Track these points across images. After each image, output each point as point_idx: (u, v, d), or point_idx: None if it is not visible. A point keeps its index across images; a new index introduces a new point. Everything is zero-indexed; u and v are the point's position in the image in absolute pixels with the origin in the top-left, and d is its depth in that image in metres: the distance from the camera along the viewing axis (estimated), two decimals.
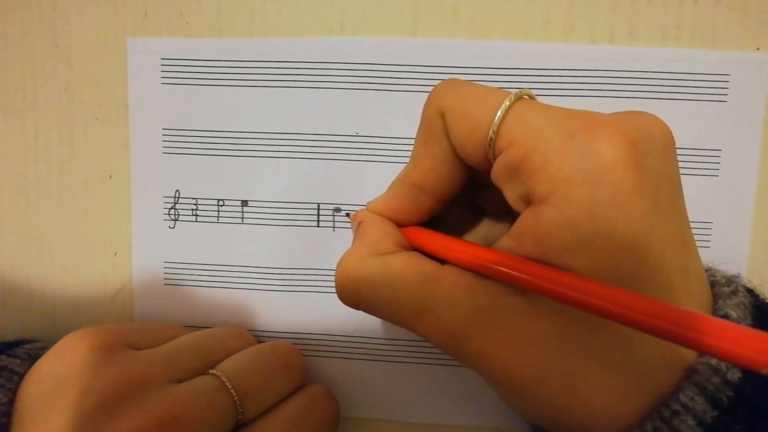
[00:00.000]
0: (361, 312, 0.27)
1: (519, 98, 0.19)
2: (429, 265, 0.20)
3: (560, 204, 0.17)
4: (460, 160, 0.21)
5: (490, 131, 0.18)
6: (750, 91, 0.25)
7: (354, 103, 0.26)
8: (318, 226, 0.27)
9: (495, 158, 0.19)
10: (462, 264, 0.19)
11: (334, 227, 0.27)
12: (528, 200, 0.18)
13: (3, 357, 0.23)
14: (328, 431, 0.26)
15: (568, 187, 0.17)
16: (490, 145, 0.19)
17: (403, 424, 0.28)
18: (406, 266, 0.20)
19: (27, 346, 0.24)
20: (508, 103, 0.18)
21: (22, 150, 0.28)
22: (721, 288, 0.20)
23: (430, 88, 0.26)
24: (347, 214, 0.27)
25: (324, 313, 0.28)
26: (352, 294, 0.21)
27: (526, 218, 0.18)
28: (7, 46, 0.28)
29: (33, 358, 0.23)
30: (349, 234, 0.27)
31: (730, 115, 0.25)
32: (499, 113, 0.18)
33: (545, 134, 0.18)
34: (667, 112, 0.25)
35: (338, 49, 0.26)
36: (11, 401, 0.21)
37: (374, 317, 0.27)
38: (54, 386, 0.21)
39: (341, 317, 0.28)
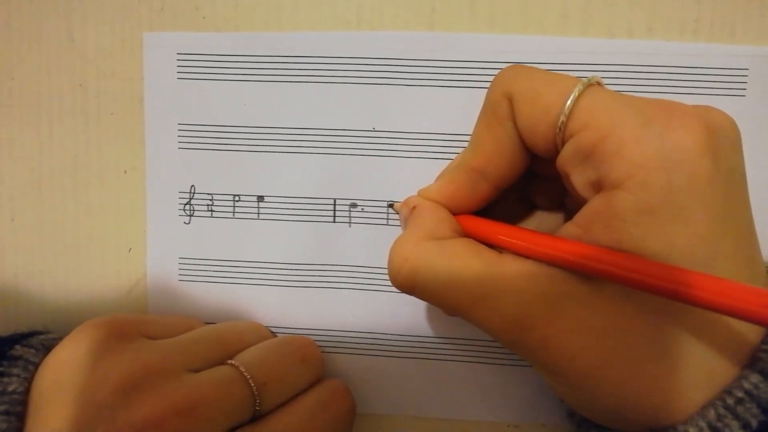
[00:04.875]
0: (376, 308, 0.27)
1: (591, 84, 0.19)
2: (489, 252, 0.20)
3: (636, 189, 0.17)
4: (522, 145, 0.20)
5: (562, 115, 0.18)
6: None
7: (371, 98, 0.26)
8: (334, 222, 0.27)
9: (564, 143, 0.19)
10: (526, 253, 0.19)
11: (350, 223, 0.27)
12: (598, 186, 0.18)
13: (18, 347, 0.23)
14: (344, 426, 0.25)
15: (646, 173, 0.17)
16: (560, 129, 0.18)
17: (419, 419, 0.28)
18: (466, 251, 0.20)
19: (41, 336, 0.24)
20: (581, 87, 0.18)
21: (37, 145, 0.28)
22: None
23: (447, 83, 0.26)
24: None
25: (340, 309, 0.27)
26: (407, 278, 0.20)
27: (596, 204, 0.18)
28: (23, 40, 0.28)
29: (47, 348, 0.23)
30: (364, 229, 0.27)
31: (750, 109, 0.25)
32: (571, 97, 0.18)
33: (622, 119, 0.17)
34: None
35: (355, 43, 0.26)
36: (27, 390, 0.21)
37: (389, 313, 0.27)
38: (69, 374, 0.21)
39: (357, 313, 0.27)
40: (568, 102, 0.18)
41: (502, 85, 0.20)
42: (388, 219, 0.27)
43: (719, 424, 0.17)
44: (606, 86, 0.20)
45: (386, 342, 0.27)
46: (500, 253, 0.20)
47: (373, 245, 0.27)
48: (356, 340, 0.28)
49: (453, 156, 0.26)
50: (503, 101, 0.20)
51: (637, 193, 0.17)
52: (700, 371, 0.18)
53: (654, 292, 0.16)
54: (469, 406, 0.27)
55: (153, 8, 0.27)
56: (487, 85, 0.21)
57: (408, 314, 0.27)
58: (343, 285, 0.27)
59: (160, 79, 0.27)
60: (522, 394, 0.27)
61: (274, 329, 0.28)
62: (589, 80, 0.19)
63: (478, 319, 0.19)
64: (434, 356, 0.27)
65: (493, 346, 0.27)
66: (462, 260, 0.19)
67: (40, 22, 0.27)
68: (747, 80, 0.25)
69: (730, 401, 0.17)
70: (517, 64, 0.21)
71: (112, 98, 0.28)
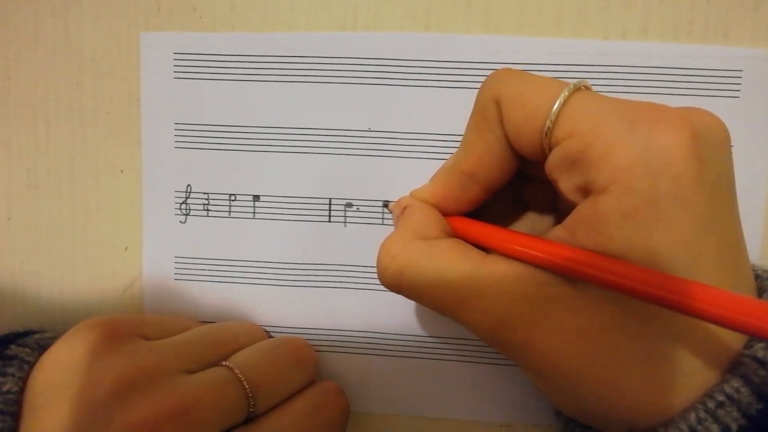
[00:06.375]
0: (370, 308, 0.27)
1: (577, 89, 0.19)
2: (476, 252, 0.20)
3: (621, 194, 0.17)
4: (512, 149, 0.20)
5: (548, 121, 0.18)
6: (763, 86, 0.25)
7: (366, 99, 0.26)
8: (329, 222, 0.27)
9: (551, 149, 0.19)
10: (512, 254, 0.19)
11: (345, 222, 0.27)
12: (585, 191, 0.18)
13: (13, 346, 0.23)
14: (337, 428, 0.25)
15: (630, 177, 0.17)
16: (546, 135, 0.18)
17: (412, 418, 0.28)
18: (453, 251, 0.20)
19: (36, 336, 0.24)
20: (567, 93, 0.18)
21: (34, 144, 0.28)
22: (764, 282, 0.20)
23: (442, 83, 0.26)
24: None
25: (335, 308, 0.28)
26: (394, 276, 0.20)
27: (583, 209, 0.18)
28: (20, 40, 0.28)
29: (42, 347, 0.23)
30: (360, 229, 0.27)
31: (743, 111, 0.25)
32: (557, 103, 0.18)
33: (606, 124, 0.17)
34: None
35: (351, 44, 0.26)
36: (22, 390, 0.21)
37: (384, 313, 0.27)
38: (65, 375, 0.21)
39: (352, 313, 0.28)
40: (555, 107, 0.18)
41: (490, 90, 0.20)
42: (383, 219, 0.27)
43: (699, 428, 0.17)
44: (595, 89, 0.20)
45: (380, 341, 0.28)
46: (488, 254, 0.20)
47: (368, 245, 0.27)
48: (351, 340, 0.28)
49: (448, 156, 0.26)
50: (491, 105, 0.20)
51: (621, 197, 0.17)
52: (681, 375, 0.18)
53: (634, 296, 0.16)
54: (462, 406, 0.27)
55: (150, 8, 0.27)
56: None
57: (402, 314, 0.27)
58: (338, 284, 0.28)
59: (156, 79, 0.27)
60: (514, 394, 0.27)
61: (269, 328, 0.28)
62: (576, 84, 0.19)
63: (463, 319, 0.19)
64: (428, 356, 0.27)
65: (486, 345, 0.27)
66: (449, 260, 0.20)
67: (36, 21, 0.27)
68: (741, 82, 0.25)
69: (710, 405, 0.17)
70: (506, 68, 0.21)
71: (109, 98, 0.28)
